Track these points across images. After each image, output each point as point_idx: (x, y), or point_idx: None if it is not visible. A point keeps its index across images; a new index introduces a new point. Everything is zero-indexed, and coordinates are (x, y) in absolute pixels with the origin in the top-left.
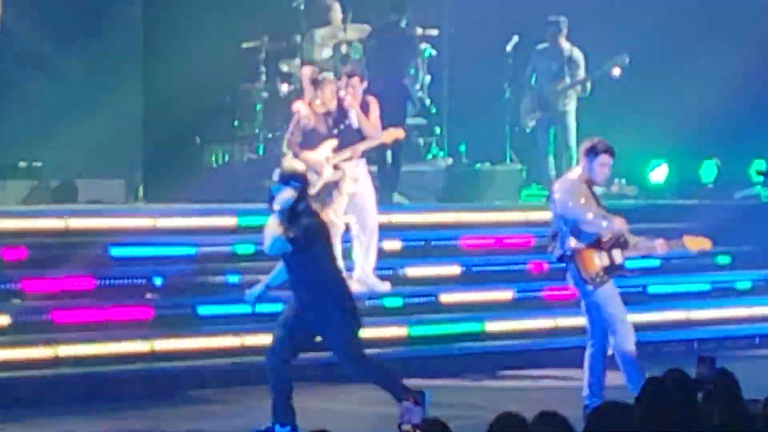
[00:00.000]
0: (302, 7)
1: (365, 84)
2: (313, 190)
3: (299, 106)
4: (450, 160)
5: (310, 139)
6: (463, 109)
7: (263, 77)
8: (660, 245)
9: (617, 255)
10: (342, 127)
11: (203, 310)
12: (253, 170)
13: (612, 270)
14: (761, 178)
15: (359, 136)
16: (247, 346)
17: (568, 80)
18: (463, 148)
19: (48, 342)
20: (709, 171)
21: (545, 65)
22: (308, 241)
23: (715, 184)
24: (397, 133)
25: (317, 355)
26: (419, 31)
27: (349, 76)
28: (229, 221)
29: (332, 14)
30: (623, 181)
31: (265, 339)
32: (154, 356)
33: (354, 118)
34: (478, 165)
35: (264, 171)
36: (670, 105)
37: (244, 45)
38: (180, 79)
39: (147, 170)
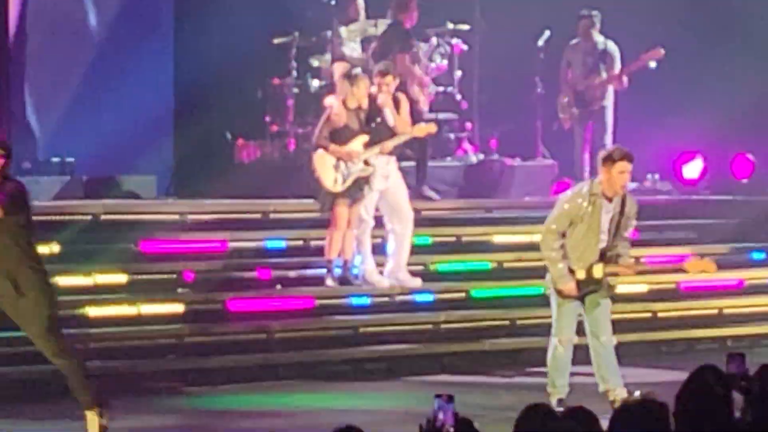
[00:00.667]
0: (333, 2)
1: (397, 81)
2: (343, 186)
3: (331, 101)
4: (481, 156)
5: (341, 135)
6: (494, 104)
7: (294, 73)
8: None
9: (597, 270)
10: (374, 123)
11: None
12: (283, 165)
13: (586, 284)
14: None
15: (391, 132)
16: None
17: (604, 75)
18: (494, 143)
19: (80, 336)
20: (743, 166)
21: (580, 60)
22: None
23: (749, 180)
24: (428, 128)
25: (341, 351)
26: (450, 25)
27: (383, 75)
28: (260, 217)
29: (357, 10)
30: (657, 176)
31: (295, 334)
32: (185, 350)
33: (388, 115)
34: (510, 160)
35: (295, 166)
36: (704, 100)
37: (275, 40)
38: (211, 74)
39: (178, 166)
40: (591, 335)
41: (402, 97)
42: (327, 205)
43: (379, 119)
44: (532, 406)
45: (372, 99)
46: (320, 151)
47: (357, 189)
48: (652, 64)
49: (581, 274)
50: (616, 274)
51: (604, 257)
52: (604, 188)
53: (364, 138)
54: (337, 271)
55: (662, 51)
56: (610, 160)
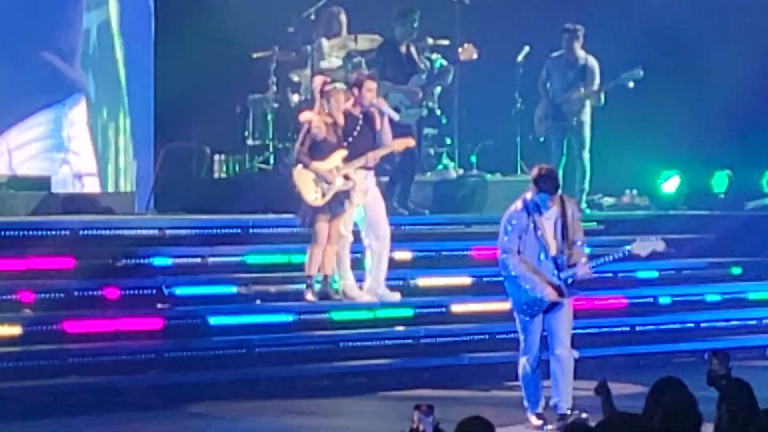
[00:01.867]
0: (312, 17)
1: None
2: (323, 200)
3: (309, 116)
4: (460, 171)
5: (320, 150)
6: (474, 119)
7: (273, 87)
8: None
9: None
10: (352, 137)
11: (214, 320)
12: (263, 180)
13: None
14: None
15: (370, 145)
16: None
17: (582, 90)
18: (473, 158)
19: (57, 351)
20: (720, 182)
21: (560, 73)
22: None
23: (726, 195)
24: (407, 142)
25: (321, 366)
26: (430, 41)
27: (359, 85)
28: (240, 232)
29: (340, 24)
30: (635, 191)
31: (276, 349)
32: (164, 366)
33: (378, 121)
34: (489, 175)
35: (274, 181)
36: (681, 116)
37: (255, 55)
38: (190, 89)
39: (157, 180)
40: (549, 347)
41: (382, 111)
42: (308, 220)
43: (356, 132)
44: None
45: (348, 113)
46: (300, 166)
47: (337, 204)
48: (631, 84)
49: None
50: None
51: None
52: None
53: (343, 152)
54: (317, 287)
55: (641, 72)
56: (534, 185)
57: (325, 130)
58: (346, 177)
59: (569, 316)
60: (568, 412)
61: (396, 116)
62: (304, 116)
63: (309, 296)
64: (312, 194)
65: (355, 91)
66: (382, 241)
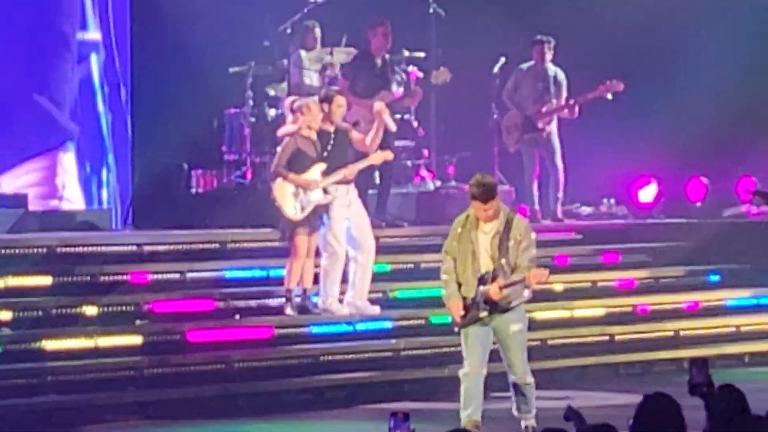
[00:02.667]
0: (289, 31)
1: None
2: (303, 214)
3: (287, 130)
4: (438, 183)
5: (299, 163)
6: (451, 131)
7: (250, 102)
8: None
9: (494, 291)
10: (326, 152)
11: (193, 336)
12: (241, 195)
13: (481, 310)
14: (749, 197)
15: (345, 160)
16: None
17: (554, 102)
18: (451, 170)
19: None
20: (697, 189)
21: (529, 84)
22: None
23: (703, 203)
24: (385, 155)
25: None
26: (405, 53)
27: (329, 101)
28: (218, 247)
29: (315, 38)
30: (612, 200)
31: (256, 364)
32: (144, 383)
33: (354, 134)
34: (467, 187)
35: (252, 195)
36: (657, 124)
37: (231, 70)
38: (167, 104)
39: (134, 196)
40: (506, 367)
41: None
42: (287, 234)
43: (329, 147)
44: None
45: (320, 130)
46: (279, 179)
47: (316, 217)
48: (609, 96)
49: (469, 293)
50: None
51: (494, 280)
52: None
53: (322, 166)
54: (297, 300)
55: (622, 85)
56: (470, 194)
57: (303, 143)
58: (325, 191)
59: (517, 339)
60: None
61: (393, 127)
62: (283, 130)
63: (288, 310)
64: (291, 208)
65: (325, 107)
66: (367, 253)
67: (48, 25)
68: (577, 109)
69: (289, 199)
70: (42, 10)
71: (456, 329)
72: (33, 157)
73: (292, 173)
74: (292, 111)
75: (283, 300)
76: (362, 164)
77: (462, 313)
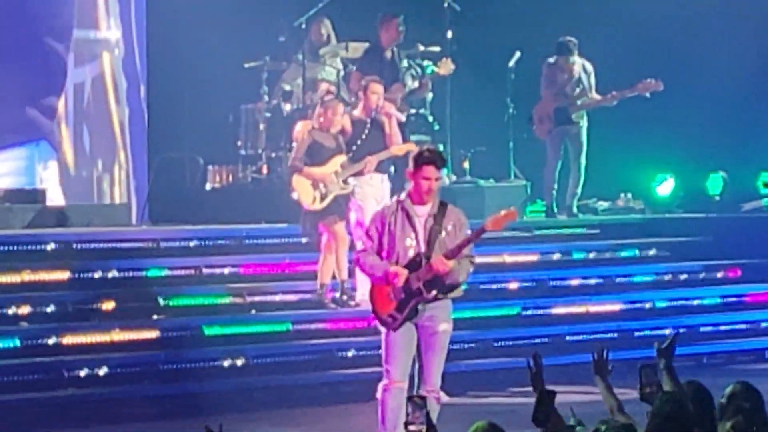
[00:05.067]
0: (303, 26)
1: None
2: (322, 204)
3: (305, 124)
4: (453, 177)
5: (319, 156)
6: (466, 125)
7: (265, 97)
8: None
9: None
10: (360, 141)
11: (209, 330)
12: (256, 190)
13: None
14: None
15: (379, 150)
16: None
17: (591, 94)
18: (466, 164)
19: (54, 363)
20: (715, 184)
21: (560, 77)
22: None
23: (721, 197)
24: (408, 147)
25: (318, 375)
26: (420, 48)
27: (364, 89)
28: (234, 242)
29: (329, 33)
30: (629, 195)
31: (272, 359)
32: (160, 378)
33: (387, 125)
34: (482, 181)
35: (267, 191)
36: (675, 118)
37: (246, 65)
38: (183, 99)
39: (151, 192)
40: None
41: (389, 113)
42: (309, 227)
43: (364, 136)
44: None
45: (356, 119)
46: (296, 173)
47: (338, 207)
48: (647, 95)
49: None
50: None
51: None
52: (411, 192)
53: (342, 158)
54: (335, 295)
55: (662, 85)
56: (414, 162)
57: (322, 136)
58: (345, 182)
59: (441, 341)
60: None
61: (402, 118)
62: (299, 126)
63: (330, 304)
64: (310, 198)
65: (361, 95)
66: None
67: (27, 24)
68: (615, 101)
69: (308, 190)
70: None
71: (389, 323)
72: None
73: (313, 166)
74: (322, 101)
75: (312, 294)
76: (383, 155)
77: (401, 283)
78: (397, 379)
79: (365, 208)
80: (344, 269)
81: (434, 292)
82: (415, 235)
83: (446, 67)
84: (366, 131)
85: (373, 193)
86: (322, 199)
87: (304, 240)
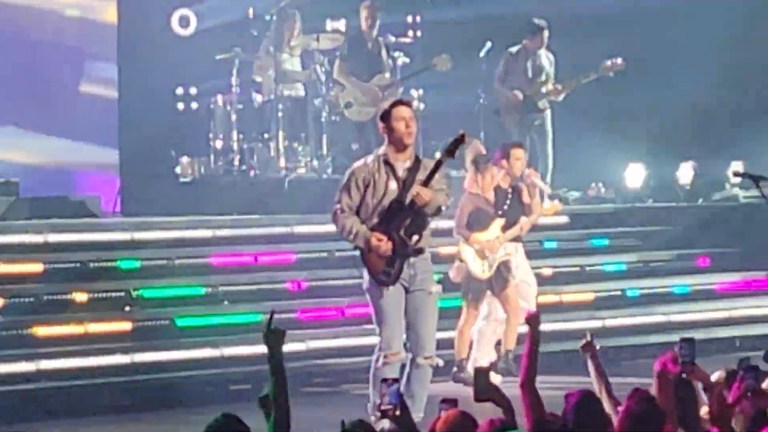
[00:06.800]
0: (274, 18)
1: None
2: (490, 272)
3: (467, 187)
4: None
5: (478, 221)
6: (437, 115)
7: (237, 89)
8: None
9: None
10: (501, 212)
11: (182, 322)
12: (228, 182)
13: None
14: (738, 180)
15: (520, 213)
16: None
17: (551, 85)
18: (437, 154)
19: (28, 356)
20: (686, 173)
21: (522, 67)
22: None
23: (692, 187)
24: (556, 207)
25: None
26: (392, 39)
27: (506, 155)
28: (207, 234)
29: (297, 25)
30: (601, 184)
31: (245, 350)
32: (134, 369)
33: (525, 196)
34: (454, 172)
35: (239, 182)
36: (646, 108)
37: (217, 57)
38: (154, 91)
39: (122, 184)
40: (409, 345)
41: (534, 183)
42: (471, 296)
43: (506, 207)
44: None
45: (496, 187)
46: (461, 241)
47: (500, 274)
48: (611, 74)
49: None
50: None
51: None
52: (391, 145)
53: (501, 222)
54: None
55: (623, 62)
56: (383, 114)
57: (480, 201)
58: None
59: (433, 304)
60: None
61: (548, 190)
62: (468, 186)
63: (462, 378)
64: (479, 268)
65: (504, 162)
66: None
67: None
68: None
69: (475, 259)
70: None
71: (384, 280)
72: None
73: (473, 233)
74: (475, 165)
75: (454, 369)
76: (534, 218)
77: (389, 244)
78: (396, 349)
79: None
80: (513, 340)
81: (415, 238)
82: (397, 189)
83: (443, 62)
84: (508, 201)
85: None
86: (489, 267)
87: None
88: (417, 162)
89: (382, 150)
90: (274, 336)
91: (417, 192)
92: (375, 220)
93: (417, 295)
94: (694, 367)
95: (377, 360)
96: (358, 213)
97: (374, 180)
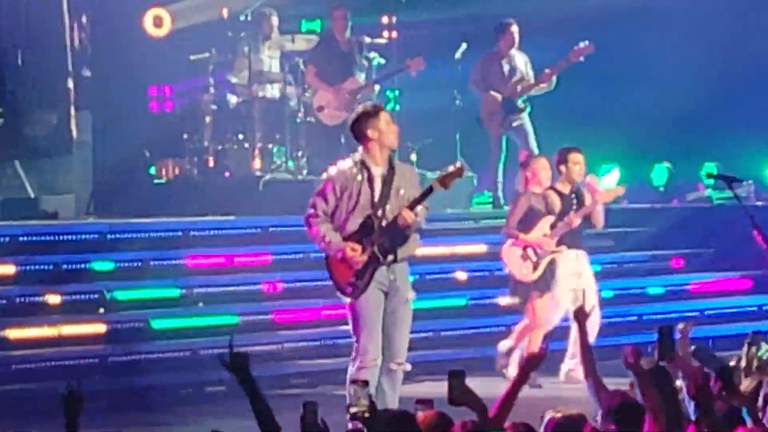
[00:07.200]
0: (249, 18)
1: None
2: (535, 274)
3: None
4: None
5: (528, 221)
6: (413, 117)
7: (211, 89)
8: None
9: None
10: (573, 211)
11: (157, 324)
12: (203, 183)
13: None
14: (712, 181)
15: (583, 228)
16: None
17: (529, 81)
18: (413, 156)
19: (1, 359)
20: (660, 174)
21: (497, 68)
22: None
23: (666, 188)
24: (617, 191)
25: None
26: (367, 39)
27: (564, 160)
28: (180, 235)
29: (272, 26)
30: None
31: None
32: (108, 371)
33: (588, 200)
34: (429, 173)
35: (214, 183)
36: (620, 109)
37: (192, 57)
38: (128, 92)
39: (97, 185)
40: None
41: (595, 189)
42: (520, 300)
43: (575, 207)
44: None
45: (559, 192)
46: (509, 241)
47: (549, 277)
48: (581, 59)
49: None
50: None
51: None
52: (374, 148)
53: (549, 219)
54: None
55: (592, 46)
56: (367, 118)
57: (532, 198)
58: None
59: (409, 311)
60: None
61: (610, 195)
62: (523, 185)
63: (509, 370)
64: (522, 270)
65: (562, 168)
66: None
67: None
68: (554, 79)
69: (517, 261)
70: None
71: (349, 292)
72: None
73: (523, 232)
74: (522, 166)
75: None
76: (586, 210)
77: (363, 256)
78: (374, 355)
79: (559, 282)
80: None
81: (390, 257)
82: (373, 198)
83: (417, 64)
84: (574, 207)
85: (570, 268)
86: (535, 268)
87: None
88: (392, 168)
89: (359, 155)
90: (237, 362)
91: (402, 214)
92: (350, 228)
93: (395, 301)
94: (673, 354)
95: (354, 365)
96: (332, 219)
97: (351, 186)
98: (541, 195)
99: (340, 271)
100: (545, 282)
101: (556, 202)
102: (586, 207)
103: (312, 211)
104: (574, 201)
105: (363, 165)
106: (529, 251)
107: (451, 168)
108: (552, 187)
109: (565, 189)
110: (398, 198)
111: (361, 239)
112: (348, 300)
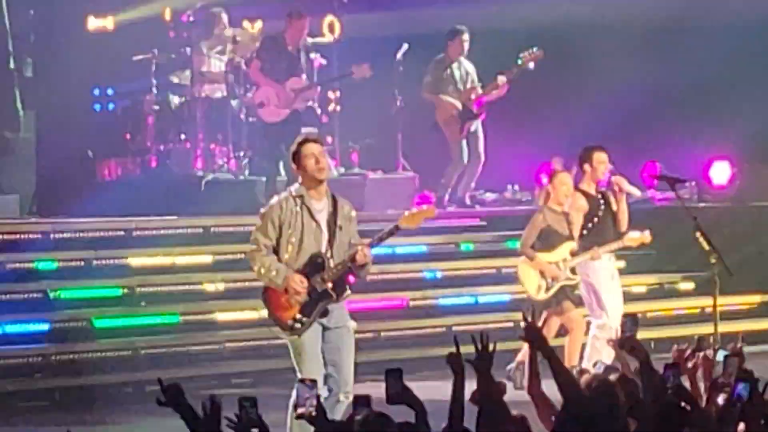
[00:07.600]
0: (192, 18)
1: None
2: (547, 294)
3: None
4: (342, 169)
5: (548, 240)
6: (354, 117)
7: (154, 90)
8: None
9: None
10: (593, 223)
11: (100, 323)
12: (145, 182)
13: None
14: (653, 182)
15: (611, 230)
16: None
17: (481, 88)
18: (354, 157)
19: None
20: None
21: (450, 74)
22: None
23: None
24: (642, 238)
25: (206, 366)
26: (309, 40)
27: (589, 159)
28: (123, 234)
29: (222, 25)
30: (516, 187)
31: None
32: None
33: (614, 203)
34: (371, 174)
35: (156, 183)
36: (563, 110)
37: (135, 58)
38: (71, 92)
39: (40, 184)
40: (329, 382)
41: (623, 189)
42: (536, 313)
43: (600, 215)
44: None
45: (586, 193)
46: (523, 259)
47: (563, 297)
48: (531, 66)
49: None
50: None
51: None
52: (304, 184)
53: (571, 245)
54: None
55: (542, 52)
56: (292, 153)
57: (552, 218)
58: (573, 271)
59: (352, 340)
60: None
61: (638, 193)
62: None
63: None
64: (535, 288)
65: (587, 167)
66: (607, 332)
67: None
68: (507, 86)
69: (532, 278)
70: None
71: (296, 328)
72: None
73: (539, 253)
74: (550, 179)
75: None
76: (614, 245)
77: (307, 288)
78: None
79: (600, 286)
80: (576, 355)
81: (346, 293)
82: (320, 233)
83: (363, 71)
84: (601, 209)
85: (606, 270)
86: (548, 288)
87: None
88: (335, 202)
89: (294, 188)
90: (171, 395)
91: (362, 251)
92: (298, 264)
93: (337, 332)
94: (634, 341)
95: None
96: (276, 253)
97: (289, 218)
98: (561, 214)
99: (284, 307)
100: (556, 302)
101: (584, 205)
102: (616, 242)
103: (254, 246)
104: (602, 202)
105: (301, 198)
106: (546, 272)
107: (424, 207)
108: (577, 188)
109: (590, 189)
110: (342, 233)
111: (310, 275)
112: (290, 337)
